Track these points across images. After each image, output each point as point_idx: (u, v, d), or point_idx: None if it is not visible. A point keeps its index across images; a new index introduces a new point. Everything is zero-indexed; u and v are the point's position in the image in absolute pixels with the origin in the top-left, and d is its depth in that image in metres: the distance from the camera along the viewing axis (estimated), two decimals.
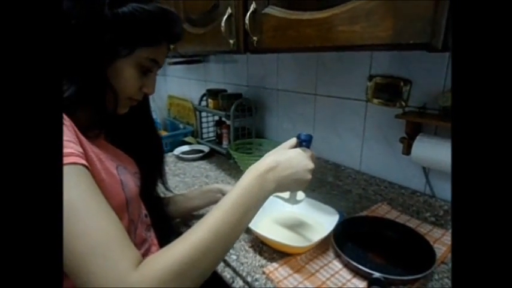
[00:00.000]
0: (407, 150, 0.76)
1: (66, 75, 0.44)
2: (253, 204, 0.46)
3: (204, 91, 1.38)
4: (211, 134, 1.47)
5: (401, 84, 0.78)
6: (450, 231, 0.72)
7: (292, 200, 0.62)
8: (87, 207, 0.36)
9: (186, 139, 1.48)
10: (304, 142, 0.56)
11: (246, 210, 0.45)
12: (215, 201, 0.79)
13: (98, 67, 0.46)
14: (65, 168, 0.36)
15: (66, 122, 0.41)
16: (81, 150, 0.40)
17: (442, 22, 0.37)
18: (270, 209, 0.74)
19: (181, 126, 1.66)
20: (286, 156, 0.51)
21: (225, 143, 1.32)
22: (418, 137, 0.73)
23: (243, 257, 0.65)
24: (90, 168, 0.41)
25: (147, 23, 0.47)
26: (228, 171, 1.15)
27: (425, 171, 0.79)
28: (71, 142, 0.39)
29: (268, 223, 0.74)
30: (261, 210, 0.73)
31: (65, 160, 0.37)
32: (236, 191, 0.45)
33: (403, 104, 0.79)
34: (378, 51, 0.82)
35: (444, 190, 0.77)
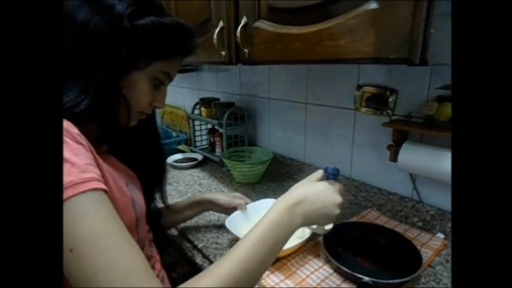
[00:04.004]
0: (394, 157, 0.79)
1: (80, 87, 0.43)
2: (281, 238, 0.45)
3: (197, 99, 1.40)
4: (204, 142, 1.48)
5: (388, 93, 0.81)
6: (437, 235, 0.74)
7: (321, 230, 0.63)
8: (111, 238, 0.35)
9: (179, 147, 1.49)
10: (331, 175, 0.56)
11: (274, 244, 0.43)
12: (204, 211, 0.80)
13: (114, 79, 0.45)
14: (87, 195, 0.35)
15: (83, 141, 0.39)
16: (99, 172, 0.39)
17: (418, 40, 0.39)
18: (254, 215, 0.77)
19: (174, 134, 1.67)
20: (314, 190, 0.50)
21: (218, 151, 1.33)
22: (404, 145, 0.76)
23: None
24: (107, 190, 0.39)
25: (164, 37, 0.47)
26: (221, 179, 1.16)
27: (412, 177, 0.82)
28: (91, 165, 0.38)
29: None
30: (244, 216, 0.76)
31: (87, 186, 0.35)
32: (264, 223, 0.44)
33: (390, 112, 0.82)
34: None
35: (430, 195, 0.80)
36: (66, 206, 0.33)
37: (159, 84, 0.51)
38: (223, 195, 0.79)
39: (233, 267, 0.39)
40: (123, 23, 0.43)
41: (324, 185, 0.51)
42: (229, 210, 0.77)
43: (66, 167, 0.35)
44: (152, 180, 0.64)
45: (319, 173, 0.56)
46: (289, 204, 0.46)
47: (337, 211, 0.51)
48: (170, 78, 0.52)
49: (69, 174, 0.34)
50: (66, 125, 0.38)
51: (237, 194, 0.81)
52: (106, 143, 0.52)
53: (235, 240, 0.75)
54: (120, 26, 0.43)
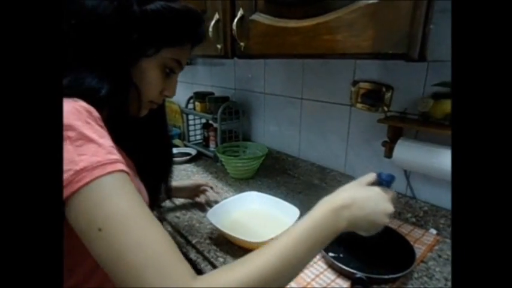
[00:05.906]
0: (389, 154, 0.79)
1: (97, 74, 0.42)
2: (322, 239, 0.42)
3: (191, 94, 1.38)
4: (198, 137, 1.47)
5: (384, 89, 0.81)
6: (430, 231, 0.75)
7: None
8: (139, 217, 0.35)
9: (173, 142, 1.48)
10: (385, 182, 0.51)
11: (315, 244, 0.41)
12: (168, 199, 0.81)
13: (125, 66, 0.45)
14: (114, 176, 0.35)
15: (103, 126, 0.39)
16: (121, 156, 0.38)
17: (418, 35, 0.39)
18: (235, 208, 0.82)
19: None
20: (363, 195, 0.46)
21: (212, 145, 1.32)
22: (399, 141, 0.76)
23: (230, 259, 0.66)
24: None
25: (174, 22, 0.46)
26: (215, 174, 1.15)
27: (406, 173, 0.83)
28: (115, 148, 0.38)
29: (232, 220, 0.79)
30: (226, 208, 0.79)
31: (114, 167, 0.35)
32: (308, 222, 0.42)
33: (385, 109, 0.82)
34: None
35: (424, 192, 0.80)
36: (94, 186, 0.33)
37: (170, 72, 0.51)
38: (185, 180, 0.89)
39: (271, 259, 0.37)
40: (132, 8, 0.43)
41: (376, 191, 0.48)
42: (193, 193, 0.88)
43: (93, 147, 0.34)
44: (157, 174, 0.63)
45: (371, 176, 0.52)
46: (335, 206, 0.43)
47: (386, 220, 0.47)
48: (181, 66, 0.51)
49: (96, 155, 0.34)
50: (89, 107, 0.38)
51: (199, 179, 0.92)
52: (113, 132, 0.51)
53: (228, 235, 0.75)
54: (129, 11, 0.42)
